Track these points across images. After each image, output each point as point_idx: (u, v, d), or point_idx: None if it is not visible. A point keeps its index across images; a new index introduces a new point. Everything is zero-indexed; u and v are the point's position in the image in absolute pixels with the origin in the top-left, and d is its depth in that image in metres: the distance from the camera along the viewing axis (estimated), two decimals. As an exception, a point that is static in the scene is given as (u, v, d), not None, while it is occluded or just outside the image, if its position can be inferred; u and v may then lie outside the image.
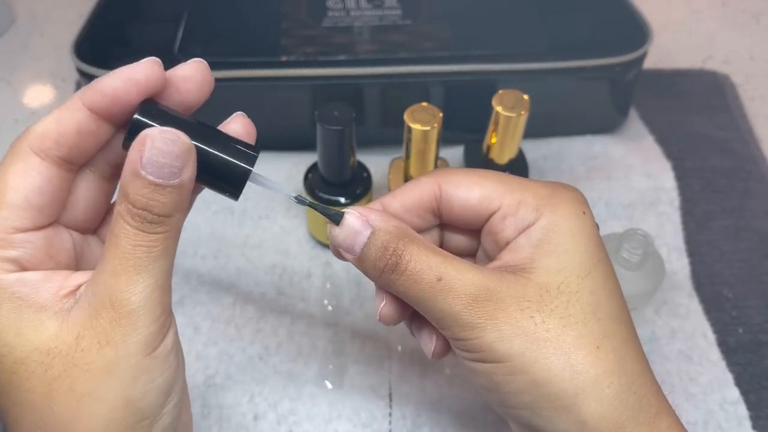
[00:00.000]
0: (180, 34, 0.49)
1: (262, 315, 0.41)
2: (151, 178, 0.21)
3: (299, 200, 0.26)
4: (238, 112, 0.26)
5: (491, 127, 0.41)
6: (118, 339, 0.21)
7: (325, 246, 0.45)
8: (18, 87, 0.59)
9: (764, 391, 0.38)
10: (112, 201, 0.27)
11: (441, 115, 0.38)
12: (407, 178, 0.43)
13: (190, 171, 0.22)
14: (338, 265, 0.44)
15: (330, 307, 0.41)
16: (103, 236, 0.26)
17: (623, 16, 0.51)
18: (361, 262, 0.25)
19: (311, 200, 0.26)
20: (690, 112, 0.56)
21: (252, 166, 0.24)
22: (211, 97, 0.52)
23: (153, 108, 0.23)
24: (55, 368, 0.21)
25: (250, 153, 0.24)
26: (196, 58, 0.25)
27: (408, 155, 0.41)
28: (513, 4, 0.52)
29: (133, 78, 0.23)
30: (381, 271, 0.24)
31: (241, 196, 0.25)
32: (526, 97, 0.39)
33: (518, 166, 0.44)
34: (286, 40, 0.49)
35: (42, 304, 0.22)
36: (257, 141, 0.26)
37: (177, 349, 0.24)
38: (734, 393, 0.38)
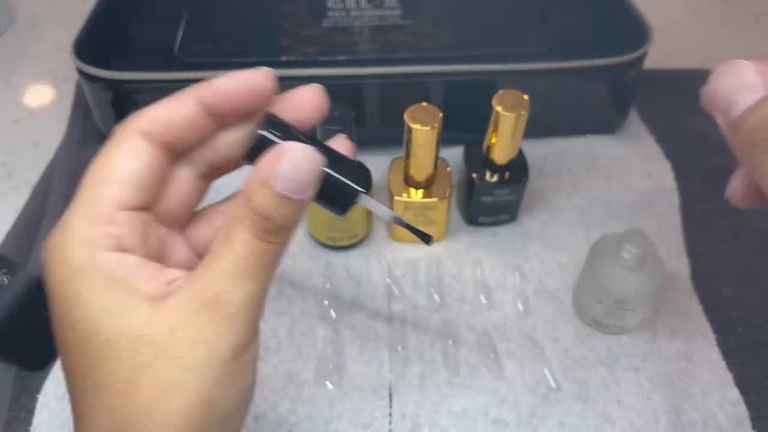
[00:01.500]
0: (180, 34, 0.49)
1: (262, 315, 0.41)
2: (280, 189, 0.21)
3: (397, 221, 0.27)
4: (341, 134, 0.27)
5: (491, 127, 0.41)
6: (212, 338, 0.21)
7: (325, 246, 0.45)
8: (18, 87, 0.59)
9: (764, 391, 0.38)
10: (198, 207, 0.27)
11: (441, 115, 0.38)
12: (407, 178, 0.43)
13: (314, 188, 0.23)
14: (338, 265, 0.44)
15: (330, 307, 0.41)
16: (192, 237, 0.27)
17: (623, 16, 0.51)
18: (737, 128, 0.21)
19: (407, 223, 0.27)
20: (690, 112, 0.56)
21: (366, 189, 0.25)
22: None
23: (276, 122, 0.24)
24: (144, 356, 0.21)
25: (363, 175, 0.25)
26: (314, 84, 0.26)
27: (408, 155, 0.41)
28: (513, 4, 0.52)
29: (248, 83, 0.23)
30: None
31: None
32: (526, 97, 0.39)
33: (518, 166, 0.44)
34: (286, 40, 0.49)
35: (137, 289, 0.22)
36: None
37: (256, 361, 0.24)
38: (734, 393, 0.38)
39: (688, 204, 0.48)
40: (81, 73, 0.47)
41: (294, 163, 0.22)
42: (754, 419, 0.37)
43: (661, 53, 0.62)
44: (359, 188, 0.25)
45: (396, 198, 0.43)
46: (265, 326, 0.41)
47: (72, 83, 0.59)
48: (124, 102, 0.47)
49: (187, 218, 0.27)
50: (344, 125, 0.37)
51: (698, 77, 0.62)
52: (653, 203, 0.48)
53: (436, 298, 0.42)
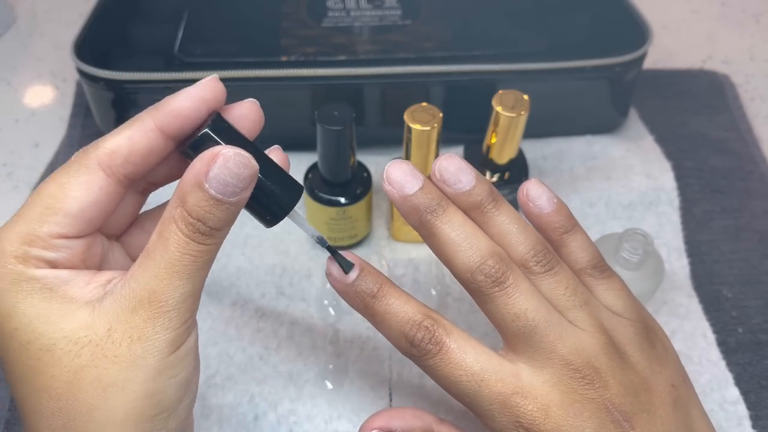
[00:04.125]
0: (180, 34, 0.49)
1: (262, 315, 0.41)
2: (213, 192, 0.22)
3: (320, 242, 0.28)
4: (276, 146, 0.27)
5: (491, 127, 0.41)
6: (149, 336, 0.22)
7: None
8: (18, 87, 0.59)
9: (764, 390, 0.38)
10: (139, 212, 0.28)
11: (441, 115, 0.38)
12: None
13: (248, 192, 0.23)
14: (338, 265, 0.44)
15: (330, 307, 0.41)
16: (126, 243, 0.28)
17: (623, 16, 0.51)
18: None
19: (330, 244, 0.28)
20: (690, 112, 0.56)
21: (296, 203, 0.25)
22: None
23: (222, 124, 0.24)
24: (83, 357, 0.22)
25: (295, 189, 0.26)
26: (250, 99, 0.26)
27: (408, 155, 0.41)
28: (513, 4, 0.52)
29: (204, 98, 0.24)
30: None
31: None
32: (526, 97, 0.39)
33: (518, 166, 0.44)
34: (286, 41, 0.49)
35: (72, 296, 0.22)
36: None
37: (196, 350, 0.25)
38: (734, 393, 0.38)
39: (688, 204, 0.48)
40: (81, 73, 0.47)
41: (228, 167, 0.22)
42: (754, 419, 0.37)
43: (661, 53, 0.62)
44: (289, 200, 0.25)
45: (396, 198, 0.43)
46: (265, 326, 0.41)
47: (72, 83, 0.59)
48: (124, 102, 0.47)
49: (124, 228, 0.27)
50: (344, 125, 0.37)
51: (698, 77, 0.63)
52: (653, 203, 0.48)
53: (437, 298, 0.42)
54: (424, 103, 0.39)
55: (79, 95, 0.57)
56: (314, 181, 0.42)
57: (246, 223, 0.46)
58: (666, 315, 0.42)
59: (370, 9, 0.51)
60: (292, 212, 0.26)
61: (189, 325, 0.24)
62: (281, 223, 0.26)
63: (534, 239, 0.28)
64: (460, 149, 0.47)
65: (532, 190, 0.30)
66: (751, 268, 0.44)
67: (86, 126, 0.54)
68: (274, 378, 0.38)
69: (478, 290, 0.27)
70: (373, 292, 0.28)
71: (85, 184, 0.23)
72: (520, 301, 0.26)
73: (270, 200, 0.25)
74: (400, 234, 0.45)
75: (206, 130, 0.23)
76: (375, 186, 0.44)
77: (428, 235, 0.28)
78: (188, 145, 0.24)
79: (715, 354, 0.40)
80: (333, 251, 0.28)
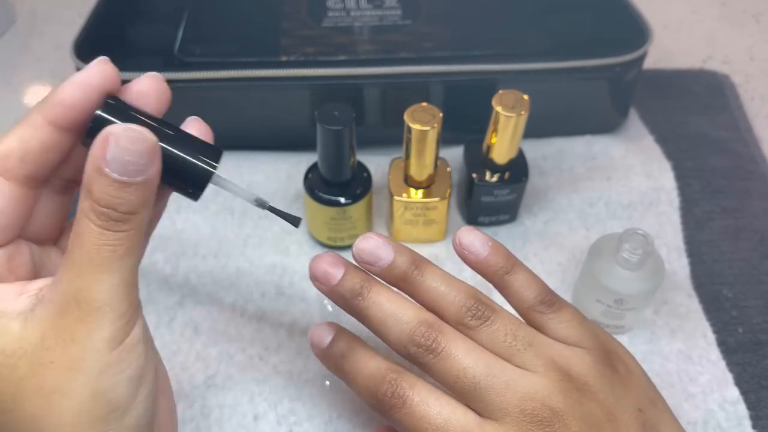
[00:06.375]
0: (180, 34, 0.49)
1: (262, 315, 0.41)
2: (115, 175, 0.20)
3: (259, 203, 0.26)
4: (194, 117, 0.25)
5: (491, 127, 0.41)
6: (83, 336, 0.21)
7: (326, 246, 0.45)
8: (18, 87, 0.59)
9: (764, 390, 0.38)
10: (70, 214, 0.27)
11: (441, 115, 0.39)
12: (407, 179, 0.43)
13: (155, 167, 0.22)
14: (338, 265, 0.44)
15: (330, 307, 0.41)
16: (63, 246, 0.26)
17: (623, 16, 0.51)
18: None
19: (270, 204, 0.26)
20: (690, 112, 0.56)
21: (215, 168, 0.24)
22: (212, 98, 0.52)
23: (115, 103, 0.23)
24: (21, 368, 0.21)
25: (213, 154, 0.24)
26: (150, 72, 0.25)
27: (408, 155, 0.41)
28: (513, 4, 0.52)
29: (90, 83, 0.22)
30: None
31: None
32: (526, 97, 0.39)
33: (518, 166, 0.44)
34: (286, 40, 0.49)
35: (3, 310, 0.22)
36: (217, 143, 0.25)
37: (145, 340, 0.24)
38: (734, 393, 0.38)
39: (688, 204, 0.48)
40: (81, 73, 0.46)
41: (122, 145, 0.20)
42: (754, 419, 0.37)
43: (661, 53, 0.62)
44: (206, 166, 0.23)
45: (396, 198, 0.43)
46: (265, 326, 0.41)
47: (72, 83, 0.59)
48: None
49: (58, 230, 0.26)
50: (344, 125, 0.37)
51: (698, 77, 0.63)
52: (653, 203, 0.48)
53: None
54: (424, 103, 0.39)
55: (79, 95, 0.57)
56: (314, 181, 0.42)
57: (246, 223, 0.46)
58: (666, 315, 0.42)
59: (370, 9, 0.52)
60: (216, 179, 0.24)
61: (129, 317, 0.22)
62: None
63: (464, 294, 0.28)
64: (460, 149, 0.47)
65: (464, 238, 0.30)
66: (751, 268, 0.44)
67: (86, 126, 0.54)
68: (274, 378, 0.38)
69: (415, 361, 0.27)
70: (344, 353, 0.29)
71: None
72: (457, 361, 0.26)
73: (187, 171, 0.23)
74: (400, 234, 0.45)
75: (97, 112, 0.22)
76: (375, 186, 0.44)
77: (360, 318, 0.29)
78: (86, 134, 0.22)
79: (715, 354, 0.40)
80: (275, 211, 0.27)
